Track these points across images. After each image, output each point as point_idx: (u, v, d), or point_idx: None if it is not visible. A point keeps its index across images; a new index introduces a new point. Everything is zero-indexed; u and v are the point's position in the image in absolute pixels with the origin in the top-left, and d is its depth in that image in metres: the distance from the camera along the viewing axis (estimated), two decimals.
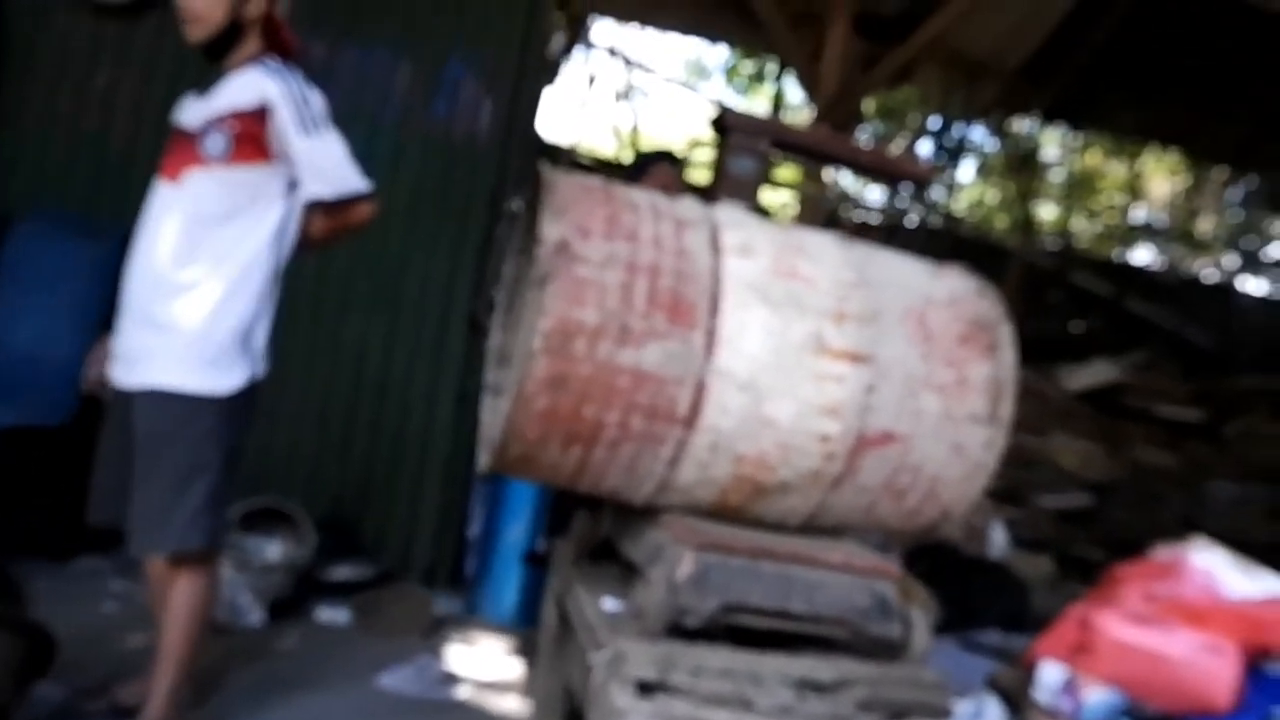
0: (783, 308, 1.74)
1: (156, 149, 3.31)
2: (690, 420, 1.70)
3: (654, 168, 2.90)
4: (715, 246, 1.76)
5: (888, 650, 1.77)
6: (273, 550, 2.94)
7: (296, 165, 2.08)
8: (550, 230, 1.64)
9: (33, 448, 2.81)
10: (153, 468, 1.98)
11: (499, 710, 2.52)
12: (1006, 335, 1.89)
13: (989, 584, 4.38)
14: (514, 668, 2.81)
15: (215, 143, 2.03)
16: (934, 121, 9.49)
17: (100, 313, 3.08)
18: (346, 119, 3.38)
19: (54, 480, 2.98)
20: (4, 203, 3.17)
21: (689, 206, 1.84)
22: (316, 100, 2.12)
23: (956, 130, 9.68)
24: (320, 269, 3.23)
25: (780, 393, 1.72)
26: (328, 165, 2.10)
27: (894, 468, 1.81)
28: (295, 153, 2.07)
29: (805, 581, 1.74)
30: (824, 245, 1.87)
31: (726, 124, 2.23)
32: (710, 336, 1.68)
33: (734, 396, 1.70)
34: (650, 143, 7.66)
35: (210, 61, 2.12)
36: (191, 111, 2.13)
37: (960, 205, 10.71)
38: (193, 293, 2.02)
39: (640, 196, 1.81)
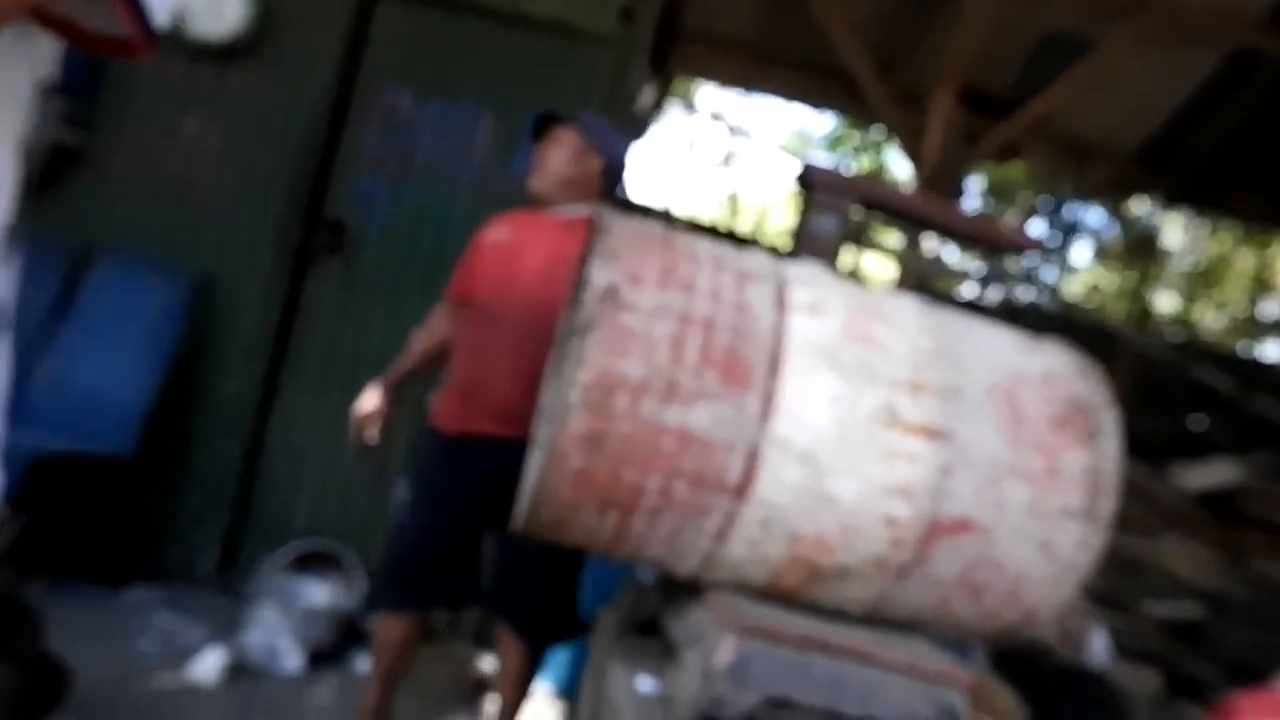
0: (852, 374, 1.57)
1: (239, 199, 3.38)
2: (741, 491, 1.54)
3: None
4: (780, 303, 1.61)
5: None
6: (319, 594, 2.86)
7: None
8: (598, 275, 1.52)
9: (94, 477, 2.81)
10: None
11: None
12: (1110, 422, 1.68)
13: (1085, 695, 4.02)
14: None
15: None
16: (1047, 201, 9.18)
17: (169, 352, 3.14)
18: (426, 174, 3.43)
19: (111, 509, 2.99)
20: (88, 240, 3.25)
21: (756, 259, 1.71)
22: None
23: (1070, 210, 9.34)
24: (386, 321, 3.19)
25: (844, 468, 1.55)
26: None
27: (970, 561, 1.61)
28: None
29: (861, 682, 1.55)
30: (904, 309, 1.71)
31: (810, 180, 2.11)
32: (767, 400, 1.53)
33: (791, 469, 1.53)
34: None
35: None
36: None
37: (1074, 289, 10.29)
38: None
39: (703, 246, 1.69)
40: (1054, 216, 9.09)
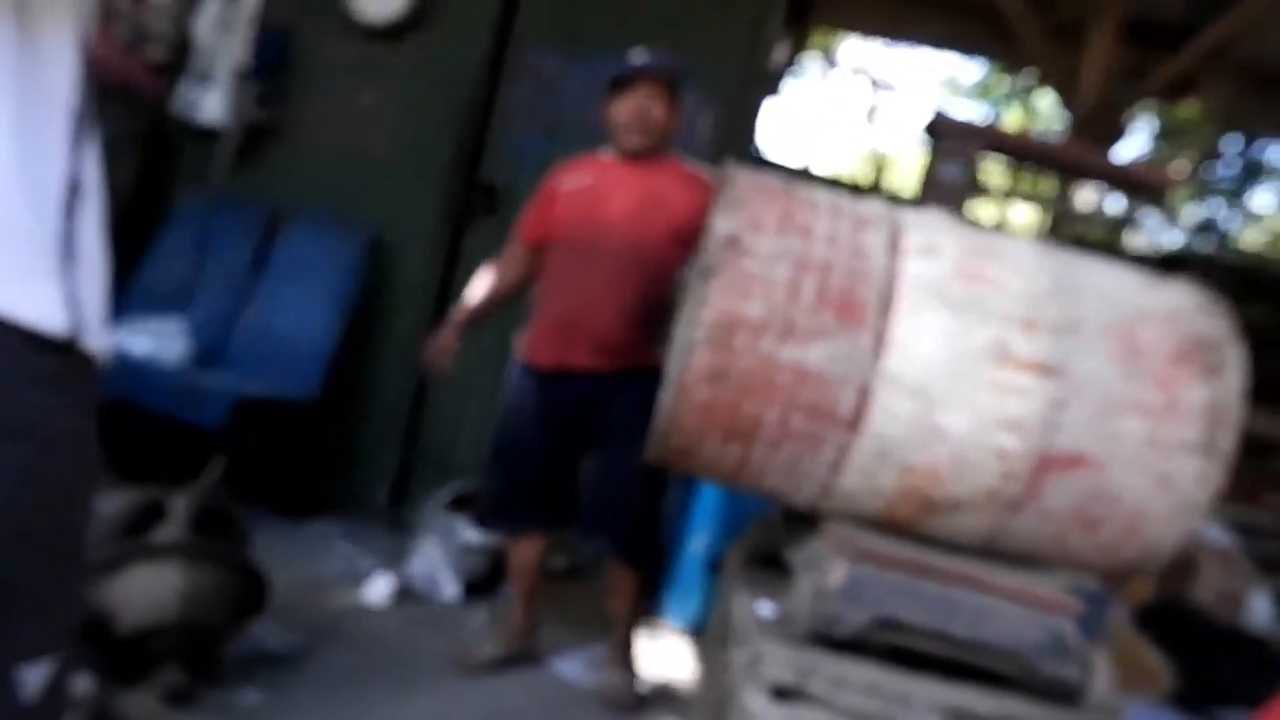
0: (964, 312, 1.63)
1: (407, 163, 3.66)
2: (854, 424, 1.63)
3: None
4: (894, 247, 1.68)
5: (1062, 694, 1.61)
6: (474, 533, 3.11)
7: None
8: (721, 224, 1.64)
9: (282, 417, 3.14)
10: None
11: (661, 709, 2.53)
12: (1233, 358, 1.67)
13: (1242, 658, 3.87)
14: (686, 671, 2.81)
15: None
16: (1231, 142, 8.56)
17: (348, 303, 3.46)
18: (571, 129, 3.60)
19: (297, 447, 3.34)
20: (280, 203, 3.60)
21: (872, 206, 1.78)
22: None
23: (1254, 150, 8.68)
24: None
25: (955, 402, 1.61)
26: None
27: (1085, 495, 1.65)
28: None
29: (970, 606, 1.63)
30: (1020, 250, 1.75)
31: (937, 128, 2.15)
32: (879, 338, 1.61)
33: (903, 402, 1.61)
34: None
35: None
36: None
37: (1256, 239, 9.58)
38: None
39: (822, 196, 1.77)
40: (1236, 158, 8.46)
